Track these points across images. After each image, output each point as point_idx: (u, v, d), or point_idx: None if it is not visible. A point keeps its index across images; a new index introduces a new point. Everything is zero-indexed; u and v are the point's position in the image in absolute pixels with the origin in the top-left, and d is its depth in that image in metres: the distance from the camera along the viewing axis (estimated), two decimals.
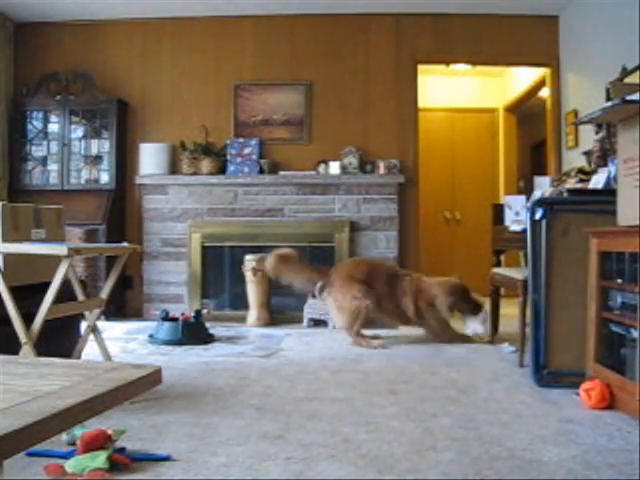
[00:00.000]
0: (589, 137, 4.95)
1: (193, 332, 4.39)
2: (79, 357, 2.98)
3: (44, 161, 5.77)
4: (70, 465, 1.97)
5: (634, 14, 4.15)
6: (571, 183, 3.89)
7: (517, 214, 4.22)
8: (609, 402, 2.70)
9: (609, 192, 3.10)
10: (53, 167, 5.75)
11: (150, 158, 5.68)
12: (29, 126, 5.79)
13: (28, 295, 2.65)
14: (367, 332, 4.42)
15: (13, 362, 1.17)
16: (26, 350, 2.47)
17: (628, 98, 2.52)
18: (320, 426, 2.49)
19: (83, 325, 3.08)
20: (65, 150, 5.73)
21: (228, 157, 5.70)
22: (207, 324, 4.60)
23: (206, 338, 4.44)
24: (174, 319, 4.45)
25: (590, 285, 2.97)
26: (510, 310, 4.53)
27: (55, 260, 2.56)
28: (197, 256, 5.62)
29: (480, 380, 3.32)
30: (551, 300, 3.16)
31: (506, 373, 3.48)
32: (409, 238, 5.71)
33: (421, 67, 5.87)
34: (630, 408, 2.55)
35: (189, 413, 2.65)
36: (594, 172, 4.04)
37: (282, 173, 5.63)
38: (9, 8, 5.62)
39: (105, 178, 5.72)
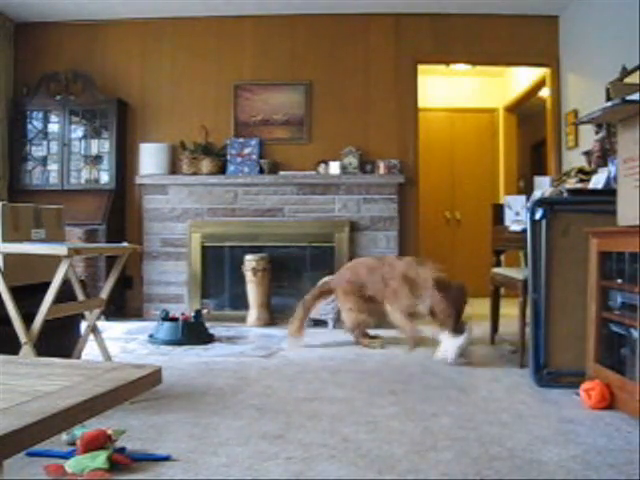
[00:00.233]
0: (589, 137, 4.95)
1: (193, 332, 4.39)
2: (79, 357, 2.98)
3: (44, 161, 5.77)
4: (70, 465, 1.97)
5: (634, 14, 4.16)
6: (571, 183, 3.89)
7: (517, 214, 4.21)
8: (609, 402, 2.70)
9: (609, 192, 3.10)
10: (53, 167, 5.75)
11: (150, 158, 5.68)
12: (29, 126, 5.79)
13: (28, 295, 2.65)
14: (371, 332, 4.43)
15: (13, 362, 1.17)
16: (26, 350, 2.46)
17: (628, 98, 2.52)
18: (320, 426, 2.49)
19: (83, 325, 3.08)
20: (65, 150, 5.73)
21: (228, 157, 5.70)
22: (207, 324, 4.60)
23: (206, 338, 4.44)
24: (174, 319, 4.45)
25: (590, 285, 2.97)
26: (510, 310, 4.53)
27: (55, 260, 2.56)
28: (197, 256, 5.63)
29: (480, 380, 3.32)
30: (551, 300, 3.16)
31: (506, 373, 3.48)
32: (409, 238, 5.71)
33: (421, 67, 5.87)
34: (630, 408, 2.55)
35: (189, 413, 2.65)
36: (594, 172, 4.04)
37: (282, 173, 5.63)
38: (9, 8, 5.62)
39: (105, 178, 5.72)
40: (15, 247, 2.66)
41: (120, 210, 5.77)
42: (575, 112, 5.30)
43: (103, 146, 5.74)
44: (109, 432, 2.13)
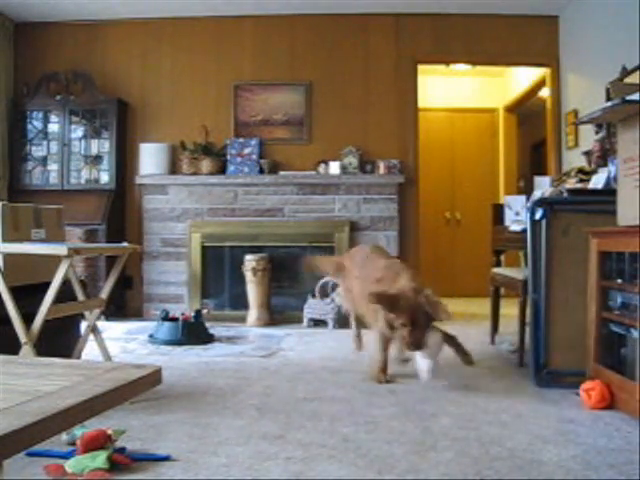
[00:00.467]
0: (589, 137, 4.95)
1: (193, 332, 4.39)
2: (79, 357, 2.98)
3: (44, 161, 5.78)
4: (70, 465, 1.97)
5: (634, 14, 4.16)
6: (571, 183, 3.89)
7: (517, 214, 4.21)
8: (609, 402, 2.70)
9: (609, 192, 3.10)
10: (53, 167, 5.75)
11: (150, 158, 5.68)
12: (29, 126, 5.79)
13: (28, 295, 2.65)
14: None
15: (13, 362, 1.17)
16: (26, 350, 2.46)
17: (628, 98, 2.52)
18: (320, 426, 2.49)
19: (83, 325, 3.08)
20: (65, 150, 5.73)
21: (228, 157, 5.70)
22: (207, 324, 4.60)
23: (206, 338, 4.44)
24: (174, 319, 4.45)
25: (590, 285, 2.97)
26: (510, 310, 4.52)
27: (55, 260, 2.56)
28: (197, 256, 5.63)
29: (480, 380, 3.31)
30: (551, 300, 3.16)
31: (506, 373, 3.48)
32: (409, 238, 5.71)
33: (421, 67, 5.87)
34: (630, 408, 2.55)
35: (189, 413, 2.65)
36: (594, 172, 4.04)
37: (282, 173, 5.63)
38: (9, 8, 5.62)
39: (105, 178, 5.72)
40: (15, 247, 2.66)
41: (120, 210, 5.77)
42: (575, 112, 5.30)
43: (103, 146, 5.74)
44: (109, 432, 2.13)
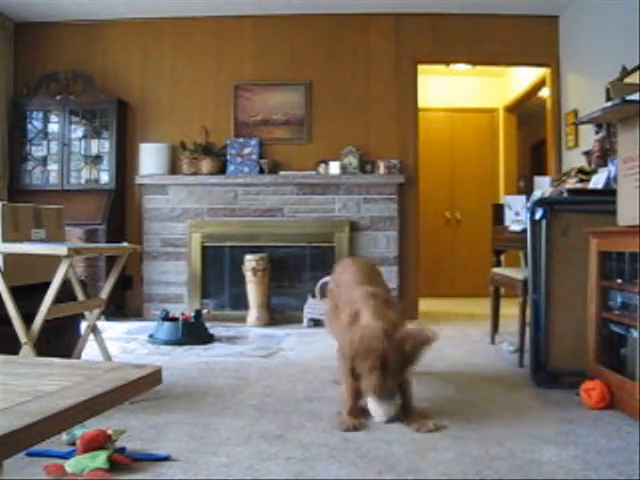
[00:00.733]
0: (589, 137, 4.95)
1: (193, 332, 4.39)
2: (79, 357, 2.98)
3: (44, 161, 5.77)
4: (70, 465, 1.97)
5: (634, 14, 4.16)
6: (571, 183, 3.89)
7: (517, 214, 4.22)
8: (609, 402, 2.70)
9: (609, 192, 3.10)
10: (53, 167, 5.75)
11: (150, 158, 5.68)
12: (29, 126, 5.79)
13: (28, 295, 2.65)
14: None
15: (13, 362, 1.17)
16: (26, 350, 2.46)
17: (628, 98, 2.52)
18: (320, 426, 2.49)
19: (83, 325, 3.08)
20: (65, 150, 5.73)
21: (228, 157, 5.70)
22: (207, 324, 4.60)
23: (206, 338, 4.44)
24: (174, 319, 4.45)
25: (590, 285, 2.98)
26: (510, 310, 4.52)
27: (55, 260, 2.56)
28: (197, 256, 5.63)
29: (480, 380, 3.31)
30: (551, 300, 3.16)
31: (506, 373, 3.47)
32: (409, 238, 5.71)
33: (421, 67, 5.87)
34: (630, 408, 2.55)
35: (189, 413, 2.65)
36: (594, 172, 4.04)
37: (282, 173, 5.63)
38: (9, 8, 5.62)
39: (105, 178, 5.72)
40: (15, 247, 2.66)
41: (120, 210, 5.77)
42: (575, 112, 5.30)
43: (103, 146, 5.74)
44: (109, 432, 2.13)
